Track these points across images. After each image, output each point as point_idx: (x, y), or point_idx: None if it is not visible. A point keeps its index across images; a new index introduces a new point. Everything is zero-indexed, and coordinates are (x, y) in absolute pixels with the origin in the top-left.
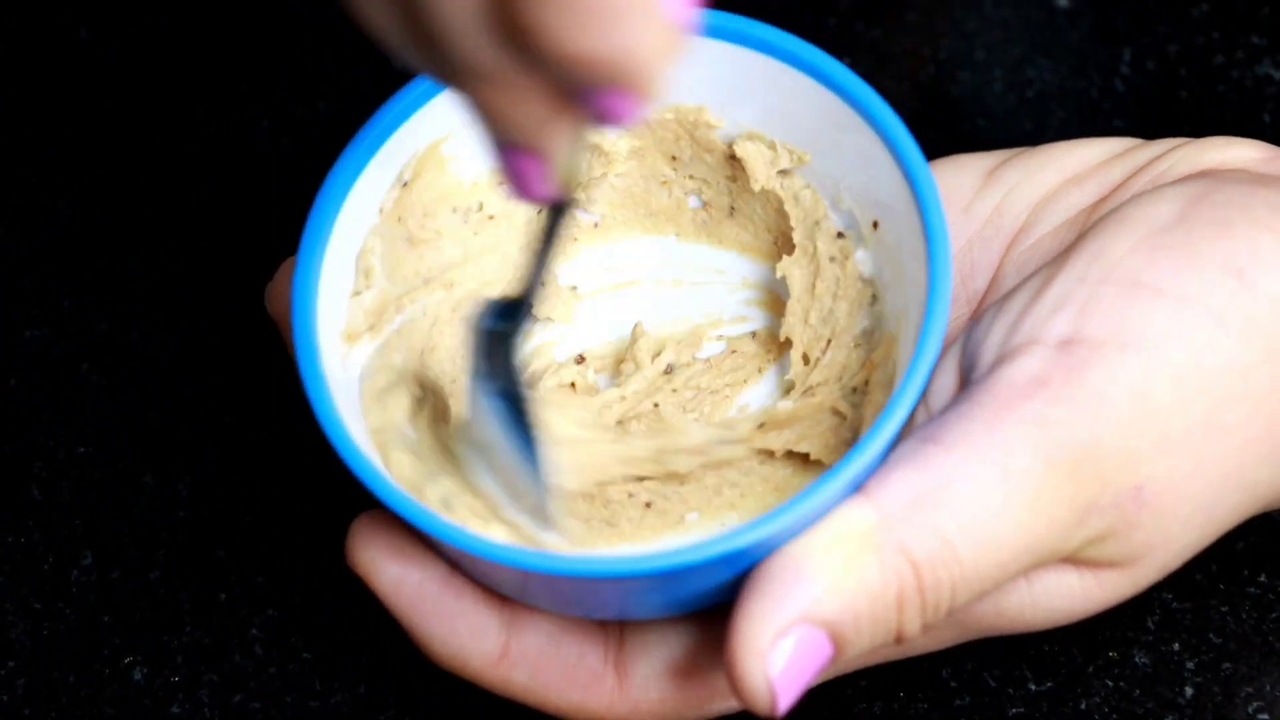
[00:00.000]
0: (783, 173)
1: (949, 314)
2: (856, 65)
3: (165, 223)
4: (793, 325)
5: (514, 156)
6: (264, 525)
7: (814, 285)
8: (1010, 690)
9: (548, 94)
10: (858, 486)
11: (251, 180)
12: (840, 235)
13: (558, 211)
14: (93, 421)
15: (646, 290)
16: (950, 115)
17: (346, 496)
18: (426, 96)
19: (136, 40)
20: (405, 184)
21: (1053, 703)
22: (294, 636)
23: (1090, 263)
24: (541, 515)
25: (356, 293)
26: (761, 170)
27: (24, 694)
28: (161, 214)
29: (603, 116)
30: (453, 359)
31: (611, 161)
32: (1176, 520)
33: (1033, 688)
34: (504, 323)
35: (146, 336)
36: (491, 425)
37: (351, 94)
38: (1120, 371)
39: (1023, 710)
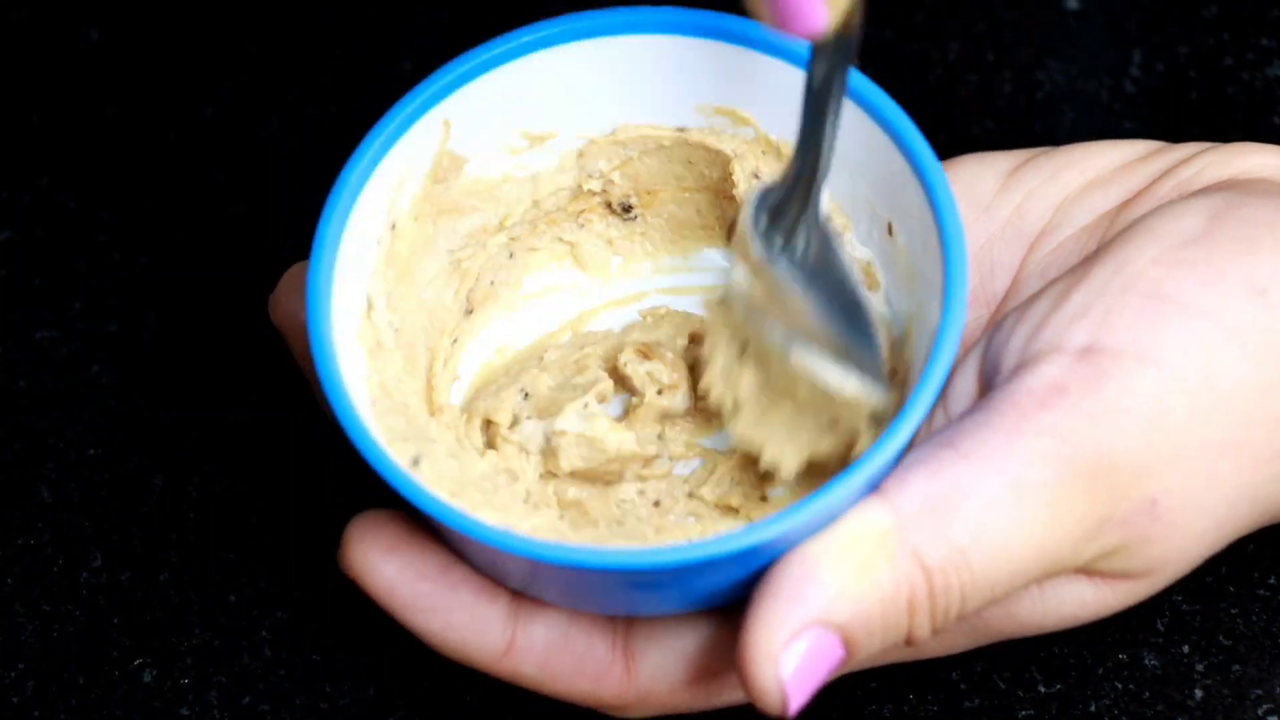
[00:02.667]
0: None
1: (966, 311)
2: (866, 68)
3: (175, 224)
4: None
5: None
6: (273, 527)
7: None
8: (1020, 692)
9: None
10: (872, 486)
11: (261, 181)
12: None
13: (833, 53)
14: (102, 423)
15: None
16: (960, 117)
17: (356, 499)
18: (435, 100)
19: (146, 41)
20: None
21: (1062, 705)
22: (303, 638)
23: (1113, 273)
24: (874, 370)
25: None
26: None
27: (33, 695)
28: (171, 215)
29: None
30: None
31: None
32: (1189, 535)
33: (1042, 689)
34: (782, 210)
35: (156, 338)
36: (806, 299)
37: (361, 95)
38: (1138, 383)
39: (1032, 712)
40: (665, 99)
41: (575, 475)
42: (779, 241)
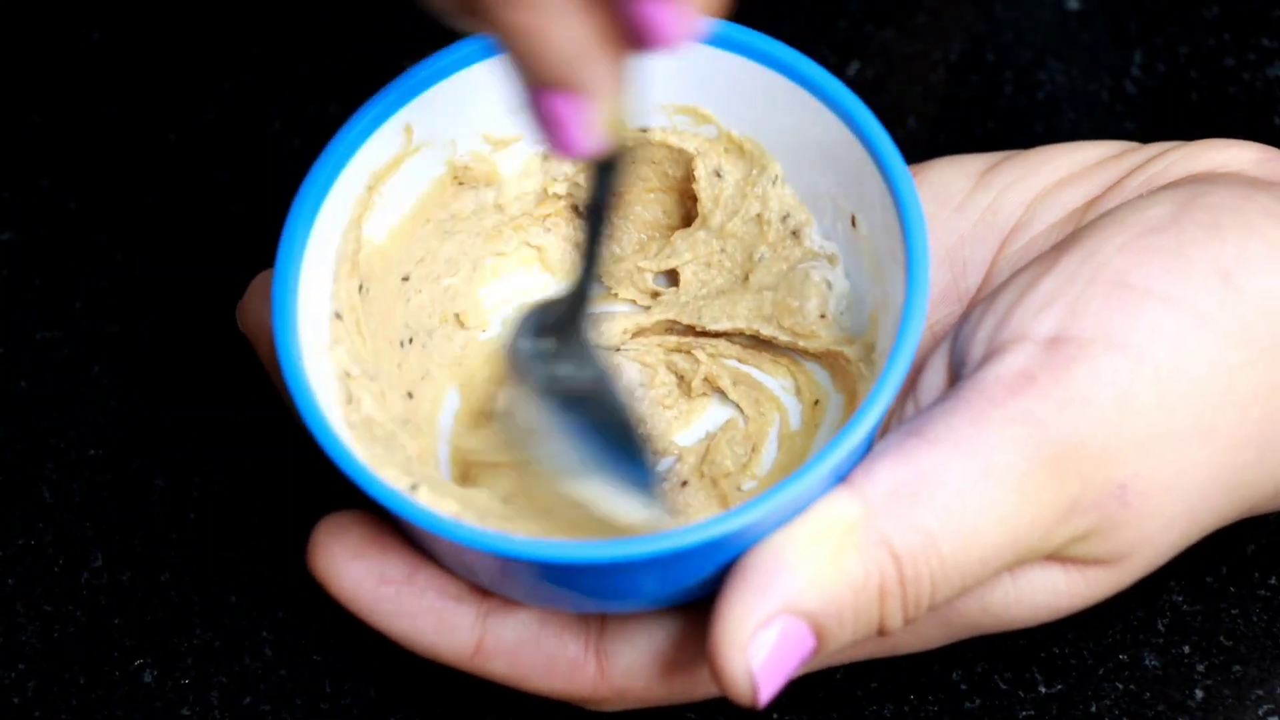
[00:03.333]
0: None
1: (929, 288)
2: (866, 68)
3: (176, 224)
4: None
5: (551, 100)
6: (274, 527)
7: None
8: (1020, 693)
9: (586, 14)
10: (840, 477)
11: (262, 181)
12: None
13: (605, 172)
14: (103, 423)
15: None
16: (961, 118)
17: (356, 499)
18: (397, 106)
19: (147, 41)
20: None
21: (1063, 705)
22: (304, 639)
23: (1080, 262)
24: (645, 489)
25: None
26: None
27: (34, 696)
28: (172, 215)
29: (648, 34)
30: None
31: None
32: (1161, 520)
33: (1043, 690)
34: (557, 328)
35: (157, 338)
36: (569, 433)
37: (363, 95)
38: (1106, 370)
39: (1033, 713)
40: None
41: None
42: (552, 361)
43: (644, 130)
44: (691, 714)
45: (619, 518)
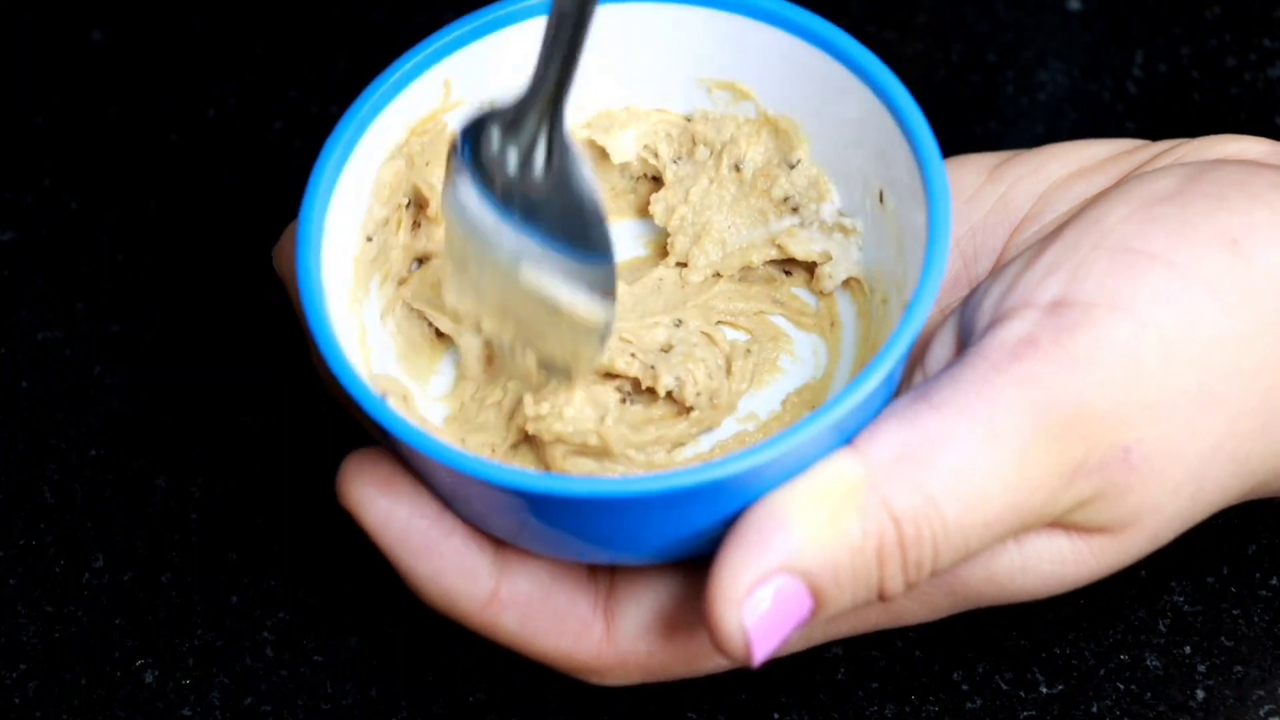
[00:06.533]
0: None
1: (947, 261)
2: None
3: (178, 224)
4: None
5: None
6: (276, 527)
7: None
8: (1022, 693)
9: None
10: (846, 436)
11: (264, 181)
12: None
13: None
14: (105, 424)
15: None
16: (962, 118)
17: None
18: (437, 58)
19: (149, 41)
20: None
21: (1064, 705)
22: (306, 639)
23: (1084, 232)
24: (603, 287)
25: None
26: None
27: (36, 696)
28: (174, 215)
29: None
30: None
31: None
32: (1166, 487)
33: (1044, 690)
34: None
35: (159, 338)
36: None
37: None
38: (1110, 333)
39: (1034, 713)
40: (667, 72)
41: (564, 443)
42: (516, 161)
43: (688, 119)
44: (693, 714)
45: (572, 308)
